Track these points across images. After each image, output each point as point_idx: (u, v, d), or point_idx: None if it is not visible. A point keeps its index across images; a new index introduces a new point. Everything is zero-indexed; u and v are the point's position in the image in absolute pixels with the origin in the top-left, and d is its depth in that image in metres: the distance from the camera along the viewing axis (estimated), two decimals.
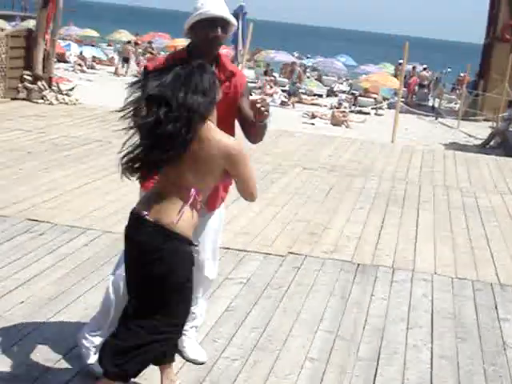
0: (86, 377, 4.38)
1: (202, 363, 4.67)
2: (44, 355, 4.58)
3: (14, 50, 15.04)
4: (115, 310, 4.32)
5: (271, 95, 29.72)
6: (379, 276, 6.69)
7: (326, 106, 29.94)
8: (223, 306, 5.62)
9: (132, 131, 3.84)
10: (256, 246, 7.18)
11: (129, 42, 39.81)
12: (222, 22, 4.15)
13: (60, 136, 11.74)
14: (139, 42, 42.05)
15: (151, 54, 38.74)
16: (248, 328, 5.30)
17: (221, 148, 3.80)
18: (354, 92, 33.91)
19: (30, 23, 28.92)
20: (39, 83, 15.18)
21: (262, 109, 4.05)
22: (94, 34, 47.26)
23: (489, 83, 30.51)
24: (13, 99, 14.91)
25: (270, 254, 6.93)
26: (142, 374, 4.03)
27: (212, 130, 3.83)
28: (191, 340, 4.68)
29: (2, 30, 22.97)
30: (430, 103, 35.64)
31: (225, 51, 32.62)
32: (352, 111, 28.33)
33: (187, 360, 4.66)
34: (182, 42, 39.92)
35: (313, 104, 30.64)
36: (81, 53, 37.18)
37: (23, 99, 14.98)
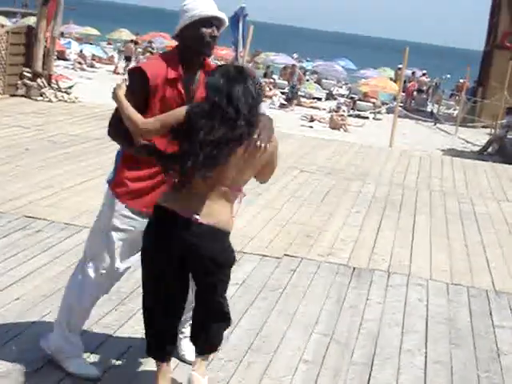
0: (80, 376, 4.38)
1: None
2: (38, 353, 4.56)
3: (14, 46, 15.05)
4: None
5: (270, 97, 29.73)
6: (375, 280, 6.69)
7: (324, 109, 29.95)
8: None
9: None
10: (252, 247, 7.18)
11: (131, 41, 39.85)
12: (217, 22, 4.15)
13: (58, 133, 11.74)
14: (139, 42, 42.02)
15: (151, 53, 38.72)
16: (243, 329, 5.30)
17: (272, 144, 3.93)
18: (352, 96, 33.92)
19: (31, 20, 28.90)
20: (39, 80, 15.18)
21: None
22: (95, 32, 47.20)
23: (488, 90, 30.55)
24: (12, 96, 14.91)
25: (266, 256, 6.94)
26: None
27: None
28: (187, 340, 4.67)
29: (3, 26, 22.97)
30: (429, 109, 35.67)
31: (224, 52, 32.73)
32: (350, 115, 28.32)
33: (183, 360, 4.65)
34: None
35: (312, 107, 30.66)
36: (81, 51, 37.18)
37: (22, 96, 14.99)
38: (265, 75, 35.45)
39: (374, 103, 31.72)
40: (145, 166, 4.17)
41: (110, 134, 4.30)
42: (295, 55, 47.12)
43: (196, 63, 4.20)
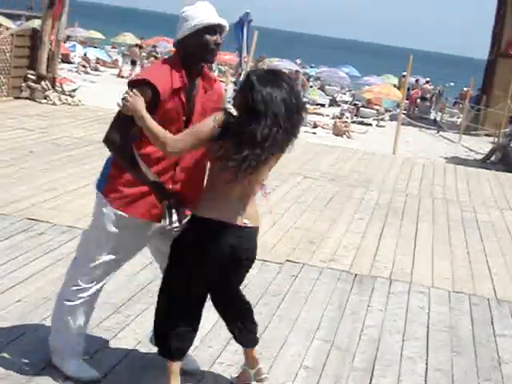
0: (81, 378, 4.38)
1: (196, 372, 4.64)
2: (39, 355, 4.56)
3: (18, 49, 15.09)
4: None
5: None
6: (376, 287, 6.69)
7: (328, 115, 29.95)
8: None
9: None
10: None
11: (136, 45, 39.93)
12: (219, 29, 4.14)
13: (62, 136, 11.76)
14: (143, 46, 42.09)
15: (155, 57, 38.77)
16: None
17: None
18: (356, 103, 33.93)
19: (35, 23, 28.94)
20: (43, 83, 15.21)
21: None
22: (99, 35, 47.26)
23: (491, 99, 30.55)
24: (16, 98, 14.94)
25: (267, 261, 6.93)
26: None
27: None
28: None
29: (7, 29, 23.00)
30: (432, 116, 35.67)
31: (228, 57, 32.74)
32: (354, 122, 28.33)
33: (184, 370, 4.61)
34: None
35: (315, 113, 30.65)
36: (85, 54, 37.23)
37: (26, 98, 15.02)
38: None
39: (377, 110, 31.72)
40: None
41: (113, 151, 4.18)
42: (298, 61, 47.14)
43: (196, 70, 4.18)
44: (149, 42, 44.86)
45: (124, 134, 4.04)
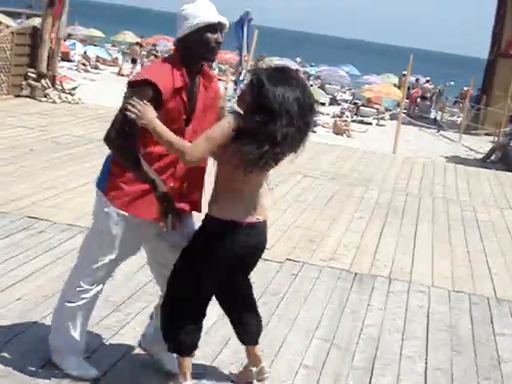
0: (81, 376, 4.38)
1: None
2: (39, 353, 4.57)
3: (19, 47, 15.07)
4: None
5: None
6: (376, 286, 6.70)
7: (328, 114, 29.94)
8: (219, 310, 5.60)
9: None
10: None
11: (137, 44, 39.93)
12: (220, 27, 4.11)
13: (62, 135, 11.76)
14: (143, 44, 42.09)
15: (155, 56, 38.77)
16: None
17: None
18: (356, 102, 33.92)
19: (36, 21, 28.92)
20: (43, 81, 15.20)
21: None
22: (99, 34, 47.25)
23: (491, 98, 30.55)
24: (16, 96, 14.94)
25: (267, 260, 6.91)
26: None
27: None
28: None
29: (8, 27, 23.00)
30: (432, 116, 35.67)
31: (228, 56, 32.72)
32: (354, 121, 28.33)
33: (164, 369, 4.59)
34: None
35: None
36: (85, 52, 37.22)
37: (26, 96, 15.01)
38: None
39: (377, 109, 31.73)
40: None
41: (113, 150, 4.16)
42: (298, 59, 47.13)
43: (196, 69, 4.16)
44: (149, 41, 44.84)
45: (125, 132, 4.01)
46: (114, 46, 47.61)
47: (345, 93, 39.89)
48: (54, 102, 15.01)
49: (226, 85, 20.51)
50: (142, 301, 5.59)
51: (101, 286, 4.34)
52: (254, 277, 6.36)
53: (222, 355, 4.93)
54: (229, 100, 18.56)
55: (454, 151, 24.38)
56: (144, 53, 39.13)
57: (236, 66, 21.40)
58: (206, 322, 5.28)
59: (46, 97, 15.10)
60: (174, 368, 4.40)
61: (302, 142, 4.04)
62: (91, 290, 4.30)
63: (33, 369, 4.40)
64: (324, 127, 25.87)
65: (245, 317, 4.47)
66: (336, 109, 31.50)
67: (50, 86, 15.36)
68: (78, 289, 4.29)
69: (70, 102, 15.33)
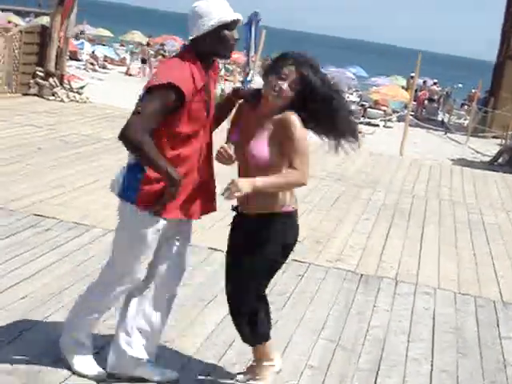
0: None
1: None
2: (44, 350, 4.58)
3: (27, 45, 15.13)
4: None
5: None
6: (382, 287, 6.69)
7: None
8: (225, 311, 5.61)
9: None
10: None
11: (147, 44, 40.07)
12: (235, 24, 4.11)
13: (70, 133, 11.78)
14: (151, 44, 42.16)
15: (163, 56, 38.83)
16: None
17: None
18: (363, 103, 33.88)
19: (44, 20, 28.99)
20: (51, 80, 15.25)
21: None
22: (108, 33, 47.33)
23: (499, 101, 30.46)
24: (24, 94, 14.98)
25: None
26: None
27: None
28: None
29: (16, 25, 23.08)
30: (440, 118, 35.61)
31: (236, 56, 32.73)
32: (361, 122, 28.29)
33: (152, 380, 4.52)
34: None
35: None
36: (93, 52, 37.28)
37: (34, 95, 15.05)
38: None
39: (384, 111, 31.68)
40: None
41: (133, 148, 4.00)
42: None
43: (209, 64, 4.14)
44: (157, 41, 44.86)
45: (148, 131, 3.92)
46: (122, 45, 47.67)
47: (352, 94, 39.85)
48: (61, 100, 15.05)
49: (233, 85, 20.52)
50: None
51: (129, 287, 4.34)
52: None
53: (226, 356, 4.93)
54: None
55: (461, 154, 24.32)
56: (152, 52, 39.18)
57: (243, 66, 21.38)
58: (210, 324, 5.32)
59: (53, 95, 15.14)
60: (163, 377, 4.44)
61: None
62: (121, 295, 4.34)
63: (38, 366, 4.41)
64: None
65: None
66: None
67: (58, 84, 15.40)
68: (111, 293, 4.29)
69: (77, 101, 15.37)
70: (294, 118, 4.01)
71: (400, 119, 29.97)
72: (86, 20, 45.59)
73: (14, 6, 47.70)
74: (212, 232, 7.32)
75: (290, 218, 4.28)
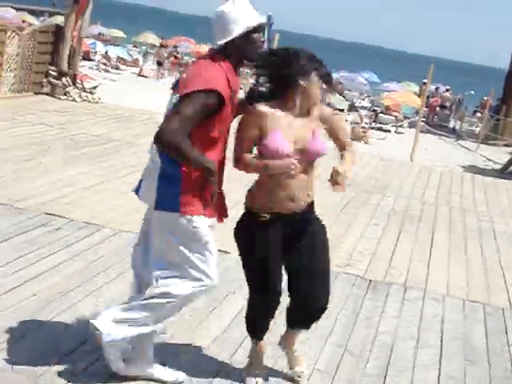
0: (95, 372, 4.41)
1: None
2: (52, 349, 4.59)
3: (41, 44, 15.17)
4: None
5: None
6: (391, 293, 6.68)
7: (346, 120, 29.85)
8: (233, 312, 5.62)
9: None
10: None
11: (161, 46, 40.18)
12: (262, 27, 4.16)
13: (80, 133, 11.80)
14: (164, 46, 42.22)
15: (175, 58, 38.90)
16: None
17: None
18: (375, 109, 33.83)
19: (58, 19, 29.08)
20: (64, 79, 15.29)
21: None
22: (121, 34, 47.42)
23: (511, 109, 30.38)
24: (36, 93, 15.03)
25: None
26: None
27: None
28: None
29: (30, 24, 23.16)
30: (451, 125, 35.51)
31: None
32: (372, 128, 28.26)
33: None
34: (207, 48, 40.02)
35: None
36: (106, 52, 37.35)
37: (47, 94, 15.10)
38: None
39: (396, 117, 31.62)
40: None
41: (174, 149, 3.95)
42: None
43: (239, 69, 4.18)
44: (170, 43, 44.91)
45: (185, 133, 3.91)
46: (135, 46, 47.75)
47: (364, 99, 39.81)
48: (74, 100, 15.09)
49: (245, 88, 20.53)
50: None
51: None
52: None
53: (236, 355, 4.93)
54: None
55: (472, 161, 24.24)
56: (165, 54, 39.24)
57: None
58: (221, 323, 5.32)
59: (66, 95, 15.18)
60: (170, 378, 4.45)
61: None
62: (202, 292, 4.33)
63: (47, 364, 4.42)
64: None
65: None
66: (355, 115, 31.41)
67: (71, 84, 15.44)
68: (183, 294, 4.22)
69: (89, 101, 15.40)
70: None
71: (411, 125, 29.90)
72: (100, 21, 45.71)
73: (28, 5, 47.89)
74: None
75: None
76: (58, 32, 15.48)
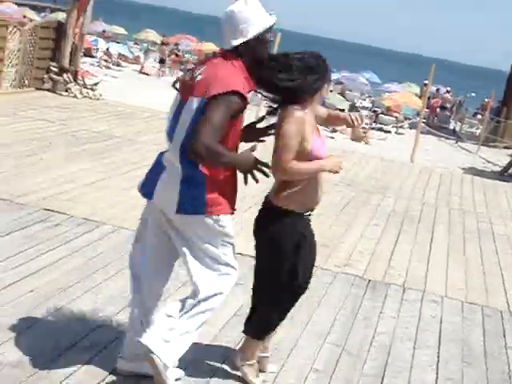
0: (93, 368, 4.42)
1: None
2: (50, 344, 4.60)
3: (42, 40, 15.16)
4: None
5: None
6: (390, 294, 6.68)
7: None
8: (232, 311, 5.62)
9: None
10: None
11: (162, 44, 40.18)
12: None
13: (81, 129, 11.80)
14: (166, 43, 42.21)
15: (176, 55, 38.91)
16: None
17: None
18: (375, 109, 33.86)
19: (59, 15, 29.10)
20: (65, 75, 15.28)
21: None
22: (122, 31, 47.40)
23: (511, 111, 30.41)
24: (37, 89, 15.01)
25: None
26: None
27: None
28: None
29: (31, 20, 23.14)
30: (452, 126, 35.52)
31: None
32: (373, 128, 28.28)
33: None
34: (209, 46, 40.00)
35: None
36: (107, 49, 37.36)
37: (48, 90, 15.09)
38: None
39: (396, 117, 31.65)
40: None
41: (212, 158, 3.95)
42: None
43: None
44: (171, 40, 44.89)
45: (218, 140, 3.90)
46: (136, 43, 47.75)
47: (364, 100, 39.81)
48: (75, 96, 15.08)
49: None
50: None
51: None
52: None
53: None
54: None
55: (472, 163, 24.27)
56: (166, 52, 39.25)
57: None
58: (217, 323, 5.32)
59: (67, 91, 15.17)
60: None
61: None
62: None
63: (44, 360, 4.43)
64: (342, 133, 25.84)
65: None
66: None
67: (72, 80, 15.43)
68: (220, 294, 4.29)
69: (90, 98, 15.39)
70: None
71: (412, 126, 29.93)
72: (101, 17, 45.70)
73: (29, 0, 47.85)
74: None
75: None
76: (60, 28, 15.47)
